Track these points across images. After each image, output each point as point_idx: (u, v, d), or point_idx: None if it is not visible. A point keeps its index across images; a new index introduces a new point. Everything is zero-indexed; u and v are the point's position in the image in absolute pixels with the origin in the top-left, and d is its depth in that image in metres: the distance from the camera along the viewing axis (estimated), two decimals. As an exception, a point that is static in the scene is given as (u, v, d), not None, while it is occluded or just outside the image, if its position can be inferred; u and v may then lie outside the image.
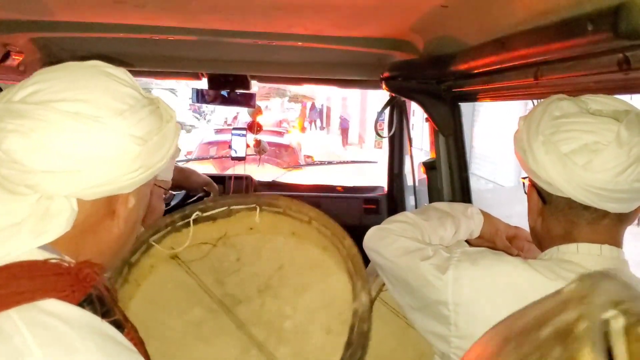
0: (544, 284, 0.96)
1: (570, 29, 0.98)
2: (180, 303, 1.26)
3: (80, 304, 0.71)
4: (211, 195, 2.72)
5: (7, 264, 0.70)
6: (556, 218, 1.04)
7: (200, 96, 2.90)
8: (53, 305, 0.69)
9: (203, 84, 2.83)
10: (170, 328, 1.22)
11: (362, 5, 1.45)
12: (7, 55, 1.78)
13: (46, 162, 0.71)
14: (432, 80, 1.94)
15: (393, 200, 3.41)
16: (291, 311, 1.28)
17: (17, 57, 1.83)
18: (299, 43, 1.94)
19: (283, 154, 8.30)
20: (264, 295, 1.28)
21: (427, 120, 2.13)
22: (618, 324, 0.46)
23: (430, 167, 2.18)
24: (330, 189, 3.66)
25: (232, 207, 1.29)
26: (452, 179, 2.08)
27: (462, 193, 2.08)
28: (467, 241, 1.33)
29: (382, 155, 4.46)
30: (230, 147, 3.24)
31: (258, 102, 3.10)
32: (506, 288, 0.99)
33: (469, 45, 1.53)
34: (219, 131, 10.05)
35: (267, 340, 1.26)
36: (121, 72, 0.81)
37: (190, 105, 22.64)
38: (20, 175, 0.72)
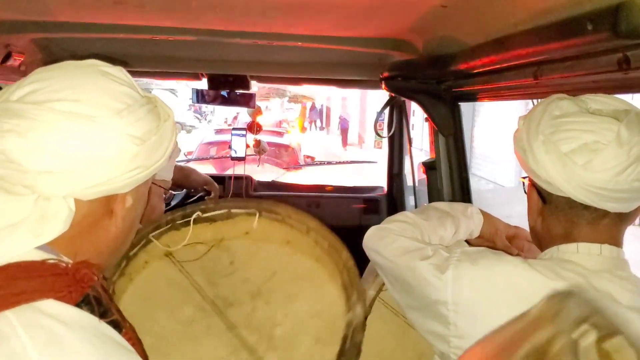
0: (544, 283, 0.96)
1: (570, 29, 0.98)
2: (172, 301, 1.26)
3: (78, 305, 0.71)
4: (212, 194, 2.72)
5: (5, 265, 0.69)
6: (556, 218, 1.04)
7: (200, 96, 2.90)
8: (50, 306, 0.68)
9: (203, 84, 2.83)
10: (161, 325, 1.22)
11: (362, 5, 1.46)
12: (8, 56, 1.78)
13: (43, 162, 0.71)
14: (431, 80, 1.94)
15: (393, 200, 3.41)
16: (282, 318, 1.29)
17: (18, 58, 1.83)
18: (299, 43, 1.94)
19: (283, 154, 8.31)
20: (256, 300, 1.29)
21: (426, 120, 2.13)
22: (589, 339, 0.47)
23: (430, 167, 2.18)
24: (330, 189, 3.66)
25: (232, 210, 1.29)
26: (451, 179, 2.08)
27: (462, 193, 2.08)
28: (467, 241, 1.33)
29: (382, 156, 4.46)
30: (230, 147, 3.25)
31: (258, 103, 3.10)
32: (506, 288, 0.99)
33: (468, 45, 1.53)
34: (219, 131, 10.05)
35: (257, 345, 1.26)
36: (118, 71, 0.81)
37: (190, 105, 22.66)
38: (17, 175, 0.71)
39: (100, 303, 0.73)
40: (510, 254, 1.11)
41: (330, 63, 2.53)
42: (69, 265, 0.73)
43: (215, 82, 2.76)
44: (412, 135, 2.98)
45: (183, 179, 2.48)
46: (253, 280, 1.30)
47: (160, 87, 17.97)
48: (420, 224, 1.24)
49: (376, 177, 4.60)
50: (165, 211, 1.62)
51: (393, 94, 2.48)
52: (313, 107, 28.03)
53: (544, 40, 1.10)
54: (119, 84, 0.79)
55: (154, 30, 1.85)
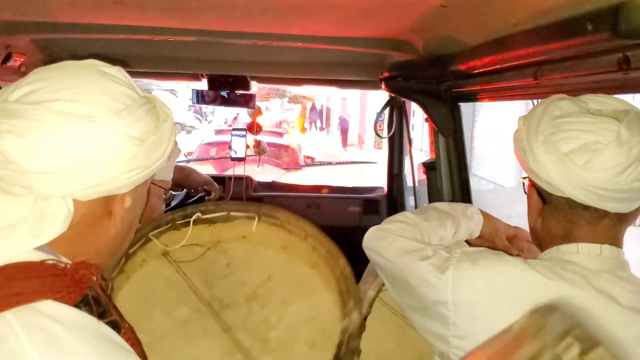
0: (544, 284, 0.96)
1: (570, 29, 0.98)
2: (168, 300, 1.27)
3: (77, 305, 0.71)
4: (212, 194, 2.72)
5: (3, 266, 0.69)
6: (556, 218, 1.04)
7: (200, 97, 2.90)
8: (49, 307, 0.68)
9: (203, 84, 2.83)
10: (158, 324, 1.23)
11: (362, 5, 1.45)
12: (8, 57, 1.78)
13: (41, 162, 0.71)
14: (431, 80, 1.94)
15: (393, 200, 3.41)
16: (277, 322, 1.29)
17: (18, 59, 1.83)
18: (299, 44, 1.94)
19: (283, 154, 8.32)
20: (251, 303, 1.29)
21: (426, 120, 2.13)
22: (573, 352, 0.48)
23: (430, 167, 2.18)
24: (330, 189, 3.66)
25: (231, 213, 1.29)
26: (451, 179, 2.08)
27: (462, 193, 2.08)
28: (467, 241, 1.33)
29: (382, 156, 4.46)
30: (230, 147, 3.25)
31: (258, 103, 3.10)
32: (506, 288, 0.99)
33: (468, 45, 1.53)
34: (219, 132, 10.06)
35: (252, 347, 1.27)
36: (117, 71, 0.81)
37: (190, 106, 22.66)
38: (15, 175, 0.71)
39: (99, 303, 0.73)
40: (510, 254, 1.11)
41: (330, 63, 2.53)
42: (68, 266, 0.73)
43: (215, 82, 2.76)
44: (412, 136, 2.98)
45: (183, 179, 2.49)
46: (249, 283, 1.30)
47: (160, 88, 17.99)
48: (420, 224, 1.24)
49: (376, 177, 4.60)
50: (166, 211, 1.62)
51: (393, 94, 2.48)
52: (313, 108, 28.04)
53: (544, 40, 1.10)
54: (117, 84, 0.78)
55: (154, 31, 1.85)
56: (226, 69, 2.65)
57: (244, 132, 3.20)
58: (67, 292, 0.70)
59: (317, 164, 8.58)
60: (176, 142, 1.38)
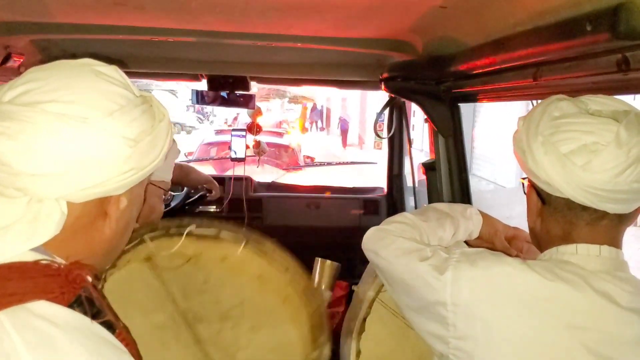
0: (542, 284, 0.96)
1: (569, 30, 0.98)
2: (146, 304, 1.29)
3: (70, 306, 0.70)
4: (213, 192, 2.72)
5: None
6: (555, 219, 1.04)
7: (199, 97, 2.90)
8: (42, 307, 0.68)
9: (203, 85, 2.83)
10: (133, 324, 1.25)
11: (361, 6, 1.45)
12: (8, 57, 1.78)
13: (34, 164, 0.71)
14: (431, 81, 1.94)
15: (392, 201, 3.41)
16: (245, 344, 1.33)
17: (17, 59, 1.83)
18: (298, 44, 1.94)
19: (283, 154, 8.32)
20: (224, 322, 1.32)
21: (426, 121, 2.13)
22: None
23: (429, 168, 2.18)
24: (330, 190, 3.66)
25: (221, 233, 1.31)
26: (451, 180, 2.08)
27: (462, 194, 2.08)
28: (466, 242, 1.33)
29: (382, 157, 4.46)
30: (230, 148, 3.25)
31: (258, 104, 3.10)
32: (505, 289, 0.99)
33: (468, 45, 1.53)
34: (219, 132, 10.06)
35: None
36: (113, 71, 0.80)
37: (189, 106, 22.67)
38: (9, 177, 0.71)
39: (92, 304, 0.73)
40: (509, 254, 1.11)
41: (329, 64, 2.53)
42: (62, 266, 0.73)
43: (215, 83, 2.76)
44: (412, 136, 2.98)
45: (182, 177, 2.48)
46: (223, 303, 1.33)
47: (160, 88, 17.99)
48: (420, 225, 1.24)
49: (376, 177, 4.60)
50: (165, 212, 1.62)
51: (393, 95, 2.48)
52: (314, 108, 28.03)
53: (543, 41, 1.10)
54: (112, 84, 0.78)
55: (153, 31, 1.85)
56: (226, 70, 2.66)
57: (243, 133, 3.20)
58: (61, 293, 0.70)
59: (317, 165, 8.58)
60: (175, 142, 1.39)
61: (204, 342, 1.30)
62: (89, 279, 0.74)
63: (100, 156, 0.73)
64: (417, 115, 8.77)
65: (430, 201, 2.21)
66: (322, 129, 29.57)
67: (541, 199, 1.06)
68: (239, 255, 1.32)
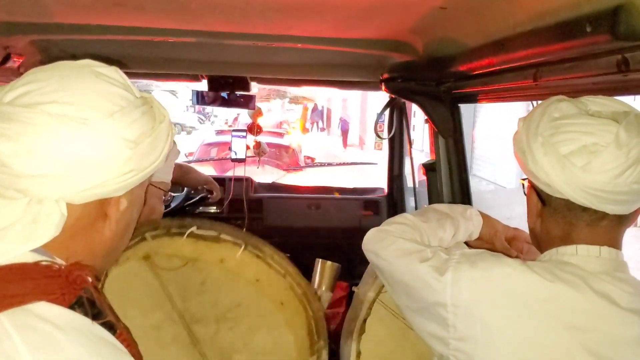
0: (542, 285, 0.96)
1: (569, 31, 0.98)
2: (145, 303, 1.29)
3: (71, 307, 0.70)
4: (214, 194, 2.72)
5: None
6: (555, 219, 1.03)
7: (200, 98, 2.90)
8: (43, 309, 0.68)
9: (203, 85, 2.83)
10: (131, 322, 1.25)
11: (361, 6, 1.45)
12: (7, 58, 1.78)
13: (34, 166, 0.71)
14: (431, 81, 1.94)
15: (393, 201, 3.42)
16: (242, 347, 1.33)
17: (17, 59, 1.83)
18: (299, 45, 1.94)
19: (283, 155, 8.32)
20: (220, 324, 1.33)
21: (427, 121, 2.13)
22: None
23: (429, 168, 2.18)
24: (330, 190, 3.66)
25: (221, 235, 1.31)
26: (451, 180, 2.08)
27: (462, 195, 2.08)
28: (466, 243, 1.33)
29: (382, 157, 4.46)
30: (230, 148, 3.24)
31: (258, 104, 3.10)
32: (505, 290, 0.98)
33: (468, 46, 1.53)
34: (219, 132, 10.06)
35: None
36: (113, 72, 0.80)
37: (189, 107, 22.68)
38: (8, 179, 0.71)
39: (93, 305, 0.73)
40: (509, 255, 1.11)
41: (330, 64, 2.53)
42: (62, 267, 0.73)
43: (215, 83, 2.76)
44: (412, 136, 2.98)
45: (181, 177, 2.48)
46: (220, 305, 1.34)
47: (160, 89, 17.99)
48: (420, 225, 1.24)
49: (376, 178, 4.60)
50: (165, 212, 1.62)
51: (393, 96, 2.48)
52: (315, 109, 28.03)
53: (543, 42, 1.10)
54: (112, 85, 0.78)
55: (153, 32, 1.85)
56: (226, 70, 2.65)
57: (244, 133, 3.20)
58: (61, 294, 0.70)
59: (317, 165, 8.58)
60: (175, 143, 1.39)
61: (201, 343, 1.30)
62: (90, 279, 0.74)
63: (100, 157, 0.73)
64: (417, 116, 8.78)
65: (430, 202, 2.22)
66: (322, 129, 29.57)
67: (541, 199, 1.06)
68: (237, 258, 1.32)
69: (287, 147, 8.82)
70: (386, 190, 3.49)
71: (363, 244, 1.25)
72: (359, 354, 1.40)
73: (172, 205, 2.69)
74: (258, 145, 3.31)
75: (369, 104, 21.43)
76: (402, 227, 1.22)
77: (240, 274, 1.33)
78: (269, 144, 3.99)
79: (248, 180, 3.38)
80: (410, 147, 2.94)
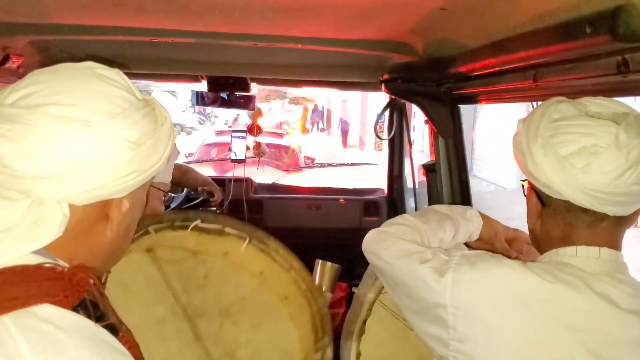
0: (542, 286, 0.96)
1: (569, 32, 0.98)
2: (147, 296, 1.28)
3: (74, 309, 0.71)
4: (215, 196, 2.71)
5: (0, 269, 0.69)
6: (555, 221, 1.03)
7: (199, 98, 2.90)
8: (47, 311, 0.68)
9: (203, 86, 2.83)
10: (134, 317, 1.24)
11: (362, 7, 1.45)
12: (6, 58, 1.78)
13: (36, 167, 0.71)
14: (431, 82, 1.94)
15: (393, 202, 3.42)
16: (245, 342, 1.32)
17: (16, 60, 1.83)
18: (299, 45, 1.94)
19: (283, 155, 8.32)
20: (224, 318, 1.32)
21: (427, 122, 2.13)
22: None
23: (429, 169, 2.18)
24: (331, 191, 3.66)
25: (225, 228, 1.30)
26: (451, 181, 2.08)
27: (462, 195, 2.08)
28: (466, 244, 1.33)
29: (382, 158, 4.46)
30: (230, 149, 3.24)
31: (258, 104, 3.10)
32: (505, 291, 0.98)
33: (468, 47, 1.52)
34: (219, 133, 10.06)
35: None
36: (115, 74, 0.80)
37: (190, 107, 22.68)
38: (10, 180, 0.71)
39: (96, 307, 0.73)
40: (509, 256, 1.11)
41: (330, 65, 2.53)
42: (65, 270, 0.73)
43: (215, 84, 2.76)
44: (413, 137, 2.98)
45: (180, 177, 2.48)
46: (223, 299, 1.33)
47: (160, 89, 17.99)
48: (420, 226, 1.24)
49: (376, 179, 4.60)
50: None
51: (393, 96, 2.48)
52: (315, 109, 28.03)
53: (543, 43, 1.09)
54: (114, 87, 0.78)
55: (153, 33, 1.85)
56: (226, 71, 2.65)
57: (244, 134, 3.20)
58: (64, 296, 0.70)
59: (317, 166, 8.58)
60: (175, 144, 1.39)
61: (204, 338, 1.29)
62: (92, 282, 0.74)
63: (102, 159, 0.73)
64: (417, 117, 8.77)
65: (430, 202, 2.21)
66: (322, 130, 29.58)
67: (541, 201, 1.05)
68: (241, 252, 1.31)
69: (287, 148, 8.82)
70: (386, 191, 3.49)
71: (363, 245, 1.25)
72: (358, 354, 1.40)
73: (172, 206, 2.69)
74: (258, 145, 3.31)
75: (369, 104, 21.43)
76: (402, 228, 1.22)
77: (244, 267, 1.32)
78: (268, 145, 4.00)
79: (248, 180, 3.38)
80: (410, 147, 2.94)
